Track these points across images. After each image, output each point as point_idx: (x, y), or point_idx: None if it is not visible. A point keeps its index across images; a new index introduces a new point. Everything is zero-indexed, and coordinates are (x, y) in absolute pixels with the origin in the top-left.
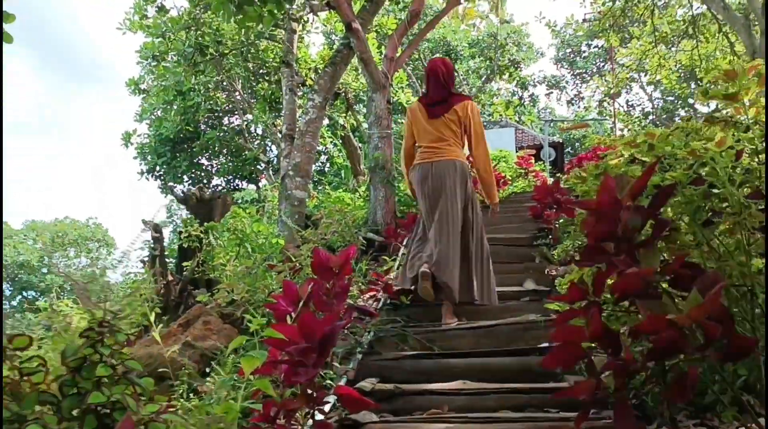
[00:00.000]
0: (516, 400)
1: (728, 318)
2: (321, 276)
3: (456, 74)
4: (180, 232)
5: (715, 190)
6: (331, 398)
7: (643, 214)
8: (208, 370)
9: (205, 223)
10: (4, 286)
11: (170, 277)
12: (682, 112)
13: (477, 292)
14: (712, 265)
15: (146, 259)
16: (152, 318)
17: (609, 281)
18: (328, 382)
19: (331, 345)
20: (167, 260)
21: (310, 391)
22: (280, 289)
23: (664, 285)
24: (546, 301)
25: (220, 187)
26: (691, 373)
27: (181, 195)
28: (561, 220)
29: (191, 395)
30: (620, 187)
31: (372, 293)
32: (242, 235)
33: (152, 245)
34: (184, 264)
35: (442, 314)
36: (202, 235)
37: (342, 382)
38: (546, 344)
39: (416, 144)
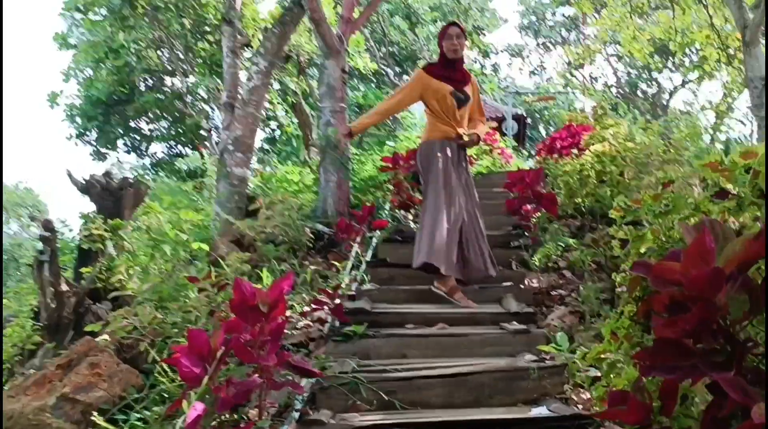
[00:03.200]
0: None
1: None
2: (244, 318)
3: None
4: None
5: None
6: None
7: (756, 296)
8: None
9: (111, 221)
10: None
11: (64, 287)
12: (645, 86)
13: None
14: None
15: (35, 263)
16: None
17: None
18: None
19: None
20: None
21: None
22: (202, 310)
23: None
24: (534, 330)
25: (160, 154)
26: None
27: (83, 182)
28: (539, 215)
29: None
30: (718, 247)
31: (318, 313)
32: (158, 235)
33: (41, 248)
34: (84, 270)
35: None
36: (107, 235)
37: None
38: (542, 410)
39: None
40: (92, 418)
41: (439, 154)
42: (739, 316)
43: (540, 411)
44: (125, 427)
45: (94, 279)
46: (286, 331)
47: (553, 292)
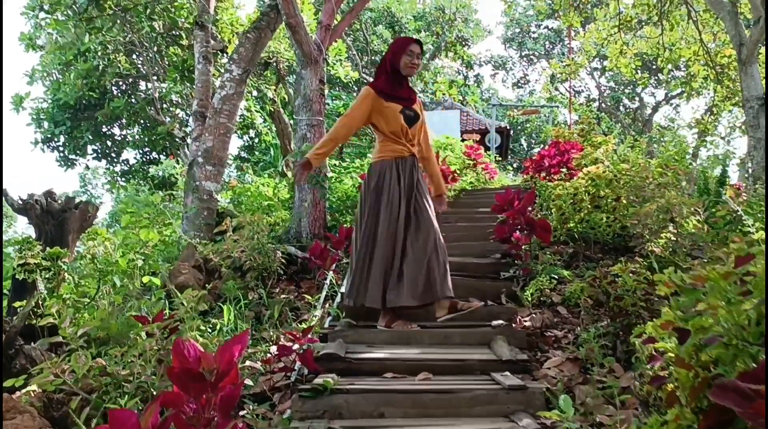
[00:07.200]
0: None
1: None
2: (186, 388)
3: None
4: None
5: None
6: None
7: None
8: None
9: (50, 249)
10: None
11: None
12: (627, 101)
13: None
14: None
15: None
16: None
17: None
18: None
19: None
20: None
21: None
22: (149, 357)
23: None
24: (533, 387)
25: (133, 160)
26: None
27: (20, 202)
28: (531, 242)
29: None
30: None
31: (283, 358)
32: (105, 265)
33: None
34: (17, 304)
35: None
36: (46, 263)
37: None
38: None
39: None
40: None
41: (388, 175)
42: None
43: None
44: None
45: (29, 314)
46: (246, 381)
47: (548, 333)
